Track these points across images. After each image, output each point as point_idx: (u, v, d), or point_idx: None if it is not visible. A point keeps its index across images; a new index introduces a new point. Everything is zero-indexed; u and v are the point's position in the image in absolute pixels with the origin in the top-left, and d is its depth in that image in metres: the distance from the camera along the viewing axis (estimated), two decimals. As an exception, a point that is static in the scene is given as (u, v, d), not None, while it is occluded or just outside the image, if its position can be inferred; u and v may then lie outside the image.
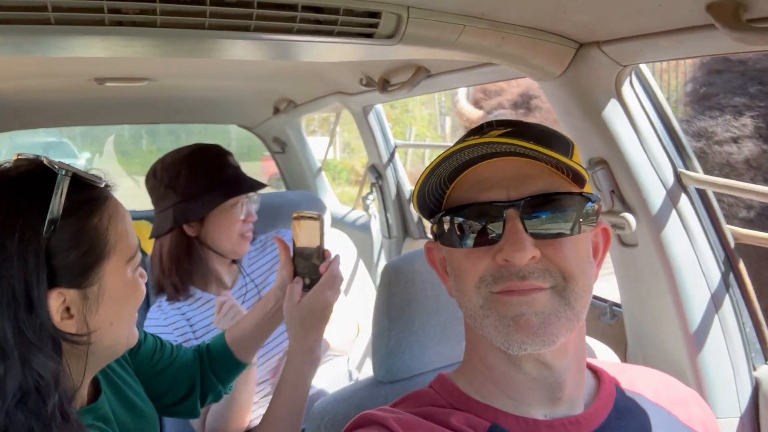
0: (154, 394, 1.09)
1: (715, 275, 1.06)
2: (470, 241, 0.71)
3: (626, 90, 1.03)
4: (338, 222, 2.60)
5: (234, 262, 1.67)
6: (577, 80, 1.04)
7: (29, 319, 0.71)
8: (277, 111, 2.74)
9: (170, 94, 2.25)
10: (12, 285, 0.70)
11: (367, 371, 1.80)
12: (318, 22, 0.89)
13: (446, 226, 0.74)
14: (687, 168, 1.06)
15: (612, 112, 1.05)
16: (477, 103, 4.79)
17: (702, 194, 1.07)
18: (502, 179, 0.71)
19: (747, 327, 1.07)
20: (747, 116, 1.32)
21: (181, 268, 1.54)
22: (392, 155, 2.19)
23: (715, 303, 1.06)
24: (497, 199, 0.70)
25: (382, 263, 2.41)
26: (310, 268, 1.12)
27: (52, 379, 0.72)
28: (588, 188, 0.76)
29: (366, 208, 2.29)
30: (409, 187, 2.27)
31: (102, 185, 0.83)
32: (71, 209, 0.76)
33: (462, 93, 4.67)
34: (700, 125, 1.40)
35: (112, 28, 0.78)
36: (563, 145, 0.75)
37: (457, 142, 0.75)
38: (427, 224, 2.34)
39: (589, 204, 0.72)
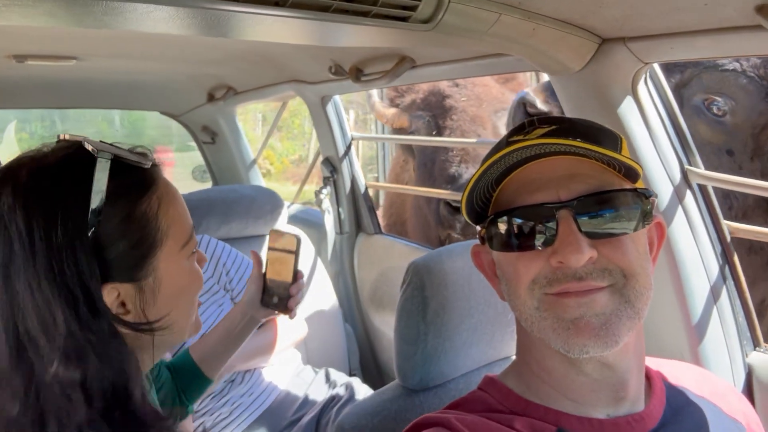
0: None
1: (714, 268, 1.11)
2: (522, 245, 0.69)
3: (641, 87, 1.05)
4: (291, 218, 2.47)
5: None
6: (595, 76, 1.04)
7: (93, 314, 0.65)
8: (211, 98, 2.55)
9: (98, 76, 2.00)
10: (66, 281, 0.63)
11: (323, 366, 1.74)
12: (358, 1, 0.80)
13: (496, 230, 0.72)
14: (691, 165, 1.10)
15: (627, 109, 1.06)
16: (392, 101, 4.83)
17: (703, 190, 1.11)
18: (552, 179, 0.69)
19: (740, 316, 1.13)
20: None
21: None
22: (349, 148, 2.11)
23: (714, 295, 1.11)
24: (548, 201, 0.68)
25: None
26: (281, 287, 1.14)
27: (135, 371, 0.67)
28: (640, 183, 0.75)
29: (319, 203, 2.19)
30: (363, 181, 2.20)
31: (148, 166, 0.74)
32: (116, 195, 0.68)
33: (375, 91, 4.69)
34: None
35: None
36: (611, 139, 0.74)
37: (500, 144, 0.73)
38: (380, 219, 2.29)
39: (644, 199, 0.71)
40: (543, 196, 0.68)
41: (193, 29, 0.85)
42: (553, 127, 0.71)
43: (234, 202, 1.78)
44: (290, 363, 1.72)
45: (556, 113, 1.51)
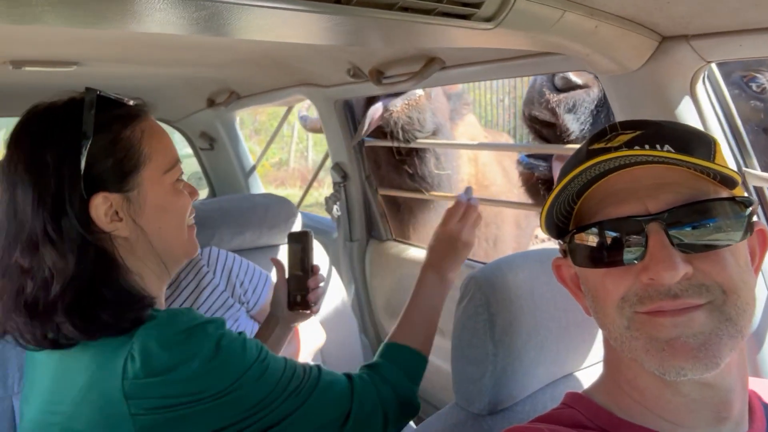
0: None
1: (770, 271, 1.07)
2: (608, 260, 0.64)
3: (700, 87, 1.00)
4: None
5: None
6: (653, 76, 0.99)
7: (56, 219, 0.80)
8: (212, 103, 2.46)
9: (97, 82, 1.89)
10: (43, 191, 0.80)
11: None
12: (424, -3, 0.74)
13: (579, 245, 0.67)
14: (747, 167, 1.06)
15: (684, 109, 1.01)
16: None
17: (759, 192, 1.07)
18: (638, 189, 0.64)
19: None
20: None
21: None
22: (360, 152, 2.04)
23: (772, 300, 1.07)
24: (636, 213, 0.63)
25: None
26: (301, 285, 1.19)
27: (59, 274, 0.79)
28: (739, 190, 0.70)
29: (329, 210, 2.12)
30: (375, 186, 2.14)
31: (131, 103, 0.91)
32: (105, 123, 0.84)
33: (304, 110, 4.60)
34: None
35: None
36: (704, 144, 0.68)
37: (580, 155, 0.68)
38: (393, 226, 2.23)
39: (744, 207, 0.66)
40: (630, 209, 0.63)
41: (232, 32, 0.79)
42: (638, 132, 0.66)
43: (248, 211, 1.70)
44: None
45: (593, 85, 1.42)
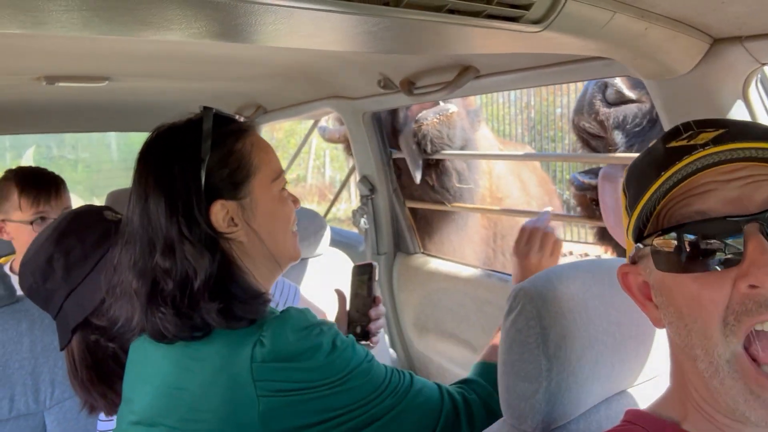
0: None
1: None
2: (699, 265, 0.59)
3: (752, 90, 0.96)
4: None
5: None
6: (704, 79, 0.96)
7: (189, 224, 0.88)
8: (237, 118, 2.47)
9: (127, 98, 1.91)
10: (173, 200, 0.88)
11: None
12: (472, -1, 0.72)
13: (662, 248, 0.62)
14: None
15: (736, 114, 0.97)
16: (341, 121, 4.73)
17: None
18: (731, 188, 0.59)
19: None
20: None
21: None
22: (388, 165, 2.02)
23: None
24: (732, 213, 0.58)
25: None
26: (363, 316, 1.17)
27: (200, 270, 0.87)
28: None
29: (357, 224, 2.09)
30: (402, 199, 2.11)
31: (241, 120, 1.01)
32: (220, 138, 0.93)
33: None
34: None
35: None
36: None
37: (657, 155, 0.64)
38: (420, 239, 2.19)
39: None
40: (724, 207, 0.58)
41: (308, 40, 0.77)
42: (722, 130, 0.61)
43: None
44: None
45: (646, 101, 1.37)
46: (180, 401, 0.88)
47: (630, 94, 1.34)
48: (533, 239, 1.13)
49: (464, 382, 1.05)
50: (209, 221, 0.90)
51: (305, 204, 2.92)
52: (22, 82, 1.54)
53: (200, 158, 0.90)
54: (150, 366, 0.95)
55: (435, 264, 2.03)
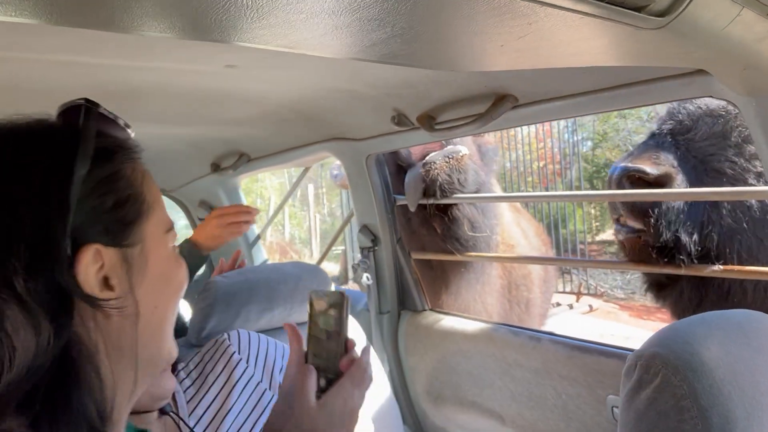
0: None
1: None
2: None
3: None
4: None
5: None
6: (820, 92, 0.81)
7: (30, 272, 0.53)
8: (217, 168, 2.25)
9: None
10: (14, 236, 0.53)
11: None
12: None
13: None
14: None
15: None
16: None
17: None
18: None
19: None
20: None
21: None
22: (392, 213, 1.82)
23: None
24: None
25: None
26: (329, 364, 0.84)
27: (23, 352, 0.51)
28: None
29: (358, 279, 1.87)
30: (408, 250, 1.90)
31: (129, 128, 0.69)
32: (106, 151, 0.61)
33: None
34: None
35: None
36: None
37: None
38: (428, 295, 1.98)
39: None
40: None
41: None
42: None
43: (279, 284, 1.44)
44: None
45: (672, 175, 1.29)
46: None
47: (655, 171, 1.30)
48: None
49: None
50: (73, 275, 0.56)
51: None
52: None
53: (71, 173, 0.57)
54: None
55: (449, 322, 1.81)
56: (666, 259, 1.29)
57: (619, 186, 1.34)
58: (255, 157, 2.06)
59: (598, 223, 8.75)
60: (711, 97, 0.95)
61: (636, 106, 1.08)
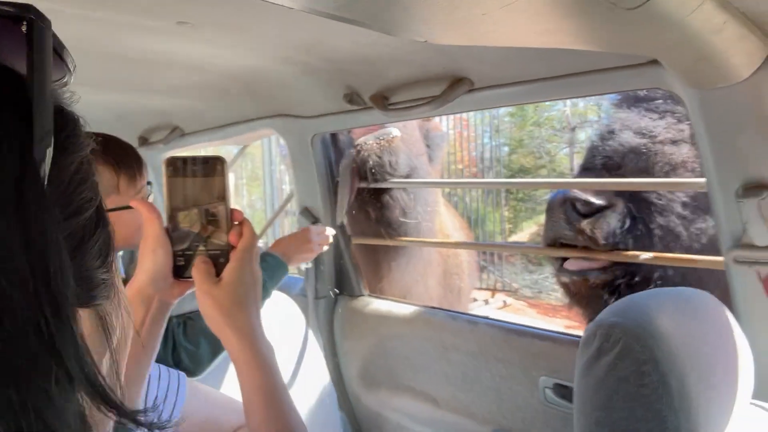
0: None
1: None
2: None
3: (802, 103, 0.90)
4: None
5: None
6: (759, 87, 0.88)
7: None
8: (145, 142, 2.11)
9: None
10: None
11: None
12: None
13: None
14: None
15: (786, 127, 0.90)
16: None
17: None
18: None
19: None
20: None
21: None
22: (334, 195, 1.79)
23: None
24: None
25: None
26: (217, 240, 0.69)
27: None
28: None
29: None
30: (349, 234, 1.88)
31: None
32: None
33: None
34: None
35: None
36: None
37: None
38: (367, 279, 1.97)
39: None
40: None
41: None
42: None
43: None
44: None
45: (614, 204, 1.36)
46: None
47: (598, 201, 1.35)
48: None
49: None
50: None
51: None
52: None
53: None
54: None
55: (386, 306, 1.81)
56: (615, 296, 1.38)
57: (560, 211, 1.40)
58: (189, 131, 1.96)
59: (511, 225, 9.11)
60: (659, 88, 1.01)
61: (589, 94, 1.12)
